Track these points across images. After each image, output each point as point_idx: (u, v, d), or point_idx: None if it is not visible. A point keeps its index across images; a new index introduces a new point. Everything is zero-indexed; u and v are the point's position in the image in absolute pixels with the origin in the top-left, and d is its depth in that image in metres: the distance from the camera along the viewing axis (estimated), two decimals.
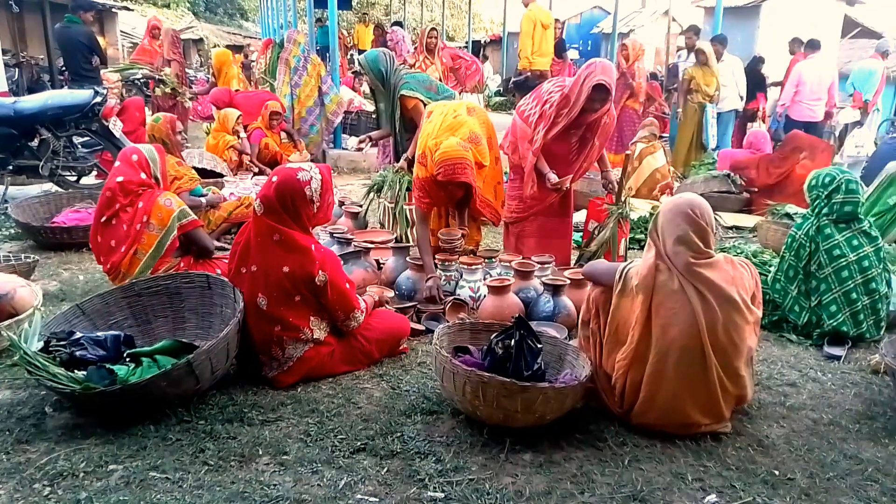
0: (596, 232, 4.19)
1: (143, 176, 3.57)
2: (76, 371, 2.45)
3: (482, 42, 22.53)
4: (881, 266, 3.46)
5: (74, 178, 6.19)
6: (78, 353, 2.54)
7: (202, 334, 2.99)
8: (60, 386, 2.37)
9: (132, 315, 3.06)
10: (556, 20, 11.08)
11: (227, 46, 22.22)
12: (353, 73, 11.73)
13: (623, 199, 4.13)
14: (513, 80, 9.15)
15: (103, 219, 3.55)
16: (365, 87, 10.33)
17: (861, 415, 2.75)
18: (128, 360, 2.59)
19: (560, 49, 10.32)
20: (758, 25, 13.92)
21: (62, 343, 2.58)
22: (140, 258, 3.48)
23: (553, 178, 3.91)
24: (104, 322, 2.95)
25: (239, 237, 2.89)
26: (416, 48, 8.69)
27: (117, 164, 3.60)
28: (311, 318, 2.80)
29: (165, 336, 2.89)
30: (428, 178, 3.77)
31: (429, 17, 26.19)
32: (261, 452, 2.31)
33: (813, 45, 8.92)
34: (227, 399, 2.65)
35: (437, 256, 3.94)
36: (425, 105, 4.69)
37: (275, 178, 2.76)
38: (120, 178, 3.51)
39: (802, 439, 2.53)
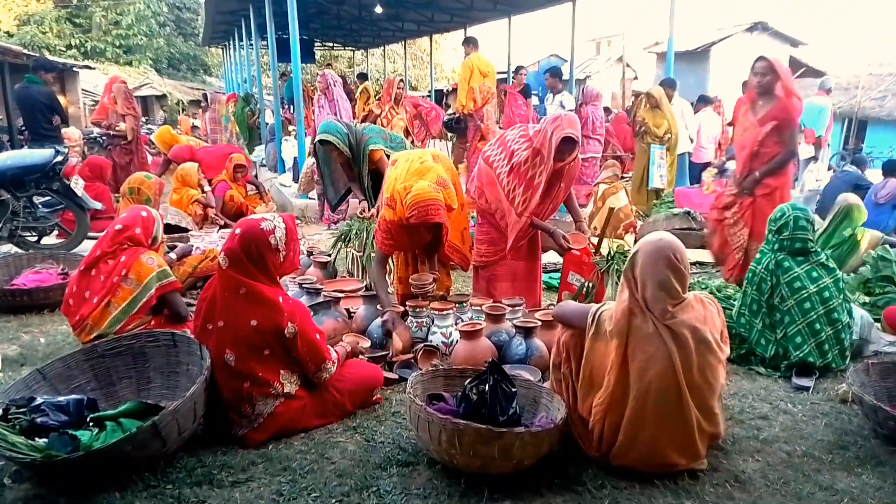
0: (586, 289, 4.21)
1: (139, 231, 3.57)
2: (37, 439, 2.37)
3: (444, 90, 22.99)
4: (841, 296, 3.54)
5: (35, 239, 6.08)
6: (39, 420, 2.45)
7: (168, 394, 2.91)
8: (20, 456, 2.27)
9: (95, 378, 2.97)
10: (521, 67, 11.40)
11: (191, 101, 22.27)
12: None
13: (606, 253, 4.16)
14: (447, 119, 9.47)
15: (83, 267, 3.52)
16: None
17: (833, 445, 2.77)
18: (91, 424, 2.50)
19: (526, 94, 10.68)
20: (708, 69, 14.49)
21: (22, 410, 2.49)
22: (111, 311, 3.42)
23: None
24: (66, 386, 2.86)
25: (204, 293, 2.83)
26: (380, 99, 8.87)
27: (124, 214, 3.65)
28: (282, 372, 2.74)
29: (130, 398, 2.81)
30: (395, 221, 3.81)
31: (391, 68, 26.70)
32: None
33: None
34: (196, 461, 2.57)
35: (407, 303, 3.93)
36: (387, 154, 4.84)
37: (238, 230, 2.74)
38: (119, 227, 3.53)
39: (778, 472, 2.54)
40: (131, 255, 3.50)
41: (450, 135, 10.72)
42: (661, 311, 2.39)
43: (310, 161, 7.08)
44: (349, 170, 5.29)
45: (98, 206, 6.35)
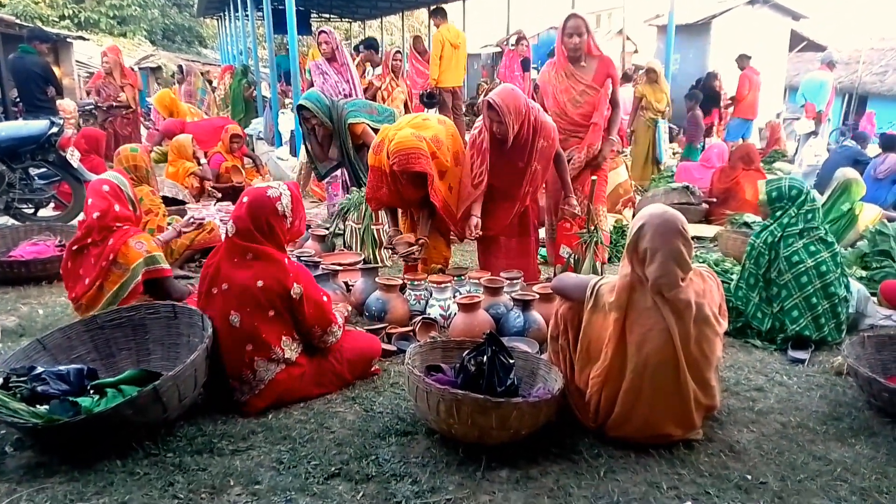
0: (572, 260, 4.21)
1: (118, 208, 3.50)
2: (38, 406, 2.38)
3: None
4: (839, 271, 3.56)
5: (31, 211, 6.06)
6: (40, 389, 2.46)
7: (169, 365, 2.91)
8: (21, 421, 2.29)
9: (95, 348, 2.98)
10: (523, 38, 11.31)
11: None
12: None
13: (593, 225, 4.13)
14: (421, 94, 9.42)
15: (75, 247, 3.50)
16: None
17: (827, 416, 2.80)
18: (92, 392, 2.52)
19: (526, 66, 10.65)
20: (709, 42, 14.34)
21: (23, 379, 2.50)
22: (105, 293, 3.42)
23: (474, 221, 3.99)
24: (66, 356, 2.87)
25: (210, 260, 2.87)
26: (381, 71, 8.78)
27: (90, 200, 3.52)
28: (283, 338, 2.77)
29: (130, 369, 2.82)
30: (377, 167, 3.95)
31: (389, 40, 26.40)
32: (232, 483, 2.27)
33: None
34: (196, 430, 2.59)
35: (405, 276, 3.94)
36: (373, 129, 4.91)
37: (245, 199, 2.80)
38: (96, 214, 3.45)
39: (772, 443, 2.57)
40: (119, 238, 3.46)
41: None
42: (672, 284, 2.36)
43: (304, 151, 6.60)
44: (334, 145, 5.26)
45: (94, 178, 6.30)
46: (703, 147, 9.68)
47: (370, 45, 9.10)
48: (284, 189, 2.84)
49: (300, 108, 5.09)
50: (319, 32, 6.47)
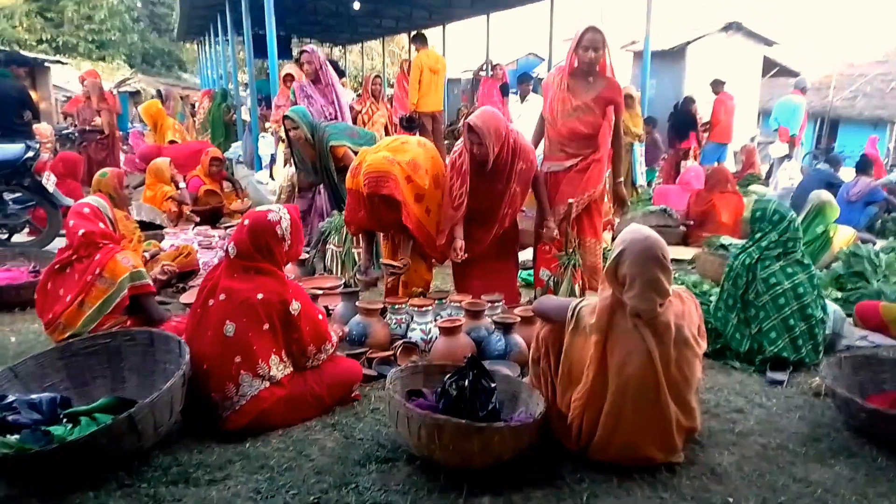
0: (551, 282, 4.22)
1: (102, 225, 3.52)
2: (9, 436, 2.32)
3: None
4: (815, 292, 3.60)
5: (5, 236, 5.97)
6: (10, 418, 2.40)
7: (144, 393, 2.84)
8: None
9: (69, 377, 2.92)
10: (498, 65, 11.47)
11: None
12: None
13: (571, 247, 4.14)
14: (401, 118, 9.51)
15: (57, 266, 3.47)
16: None
17: (807, 437, 2.82)
18: (65, 420, 2.46)
19: (504, 91, 10.80)
20: (684, 67, 14.60)
21: None
22: (85, 311, 3.36)
23: (458, 244, 3.99)
24: (39, 385, 2.81)
25: (209, 275, 2.95)
26: (360, 95, 8.83)
27: (71, 222, 3.52)
28: (273, 356, 2.77)
29: (104, 397, 2.76)
30: (353, 190, 3.98)
31: (369, 65, 26.58)
32: None
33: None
34: (171, 459, 2.54)
35: (386, 300, 3.92)
36: (354, 152, 4.83)
37: (246, 221, 2.90)
38: (82, 231, 3.44)
39: (753, 465, 2.58)
40: (106, 253, 3.45)
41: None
42: (650, 311, 2.37)
43: (289, 171, 6.22)
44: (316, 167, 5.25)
45: (70, 202, 6.23)
46: (659, 169, 10.10)
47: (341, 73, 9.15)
48: (284, 213, 2.94)
49: (285, 118, 5.08)
50: (301, 52, 6.26)
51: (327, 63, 6.08)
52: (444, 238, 4.07)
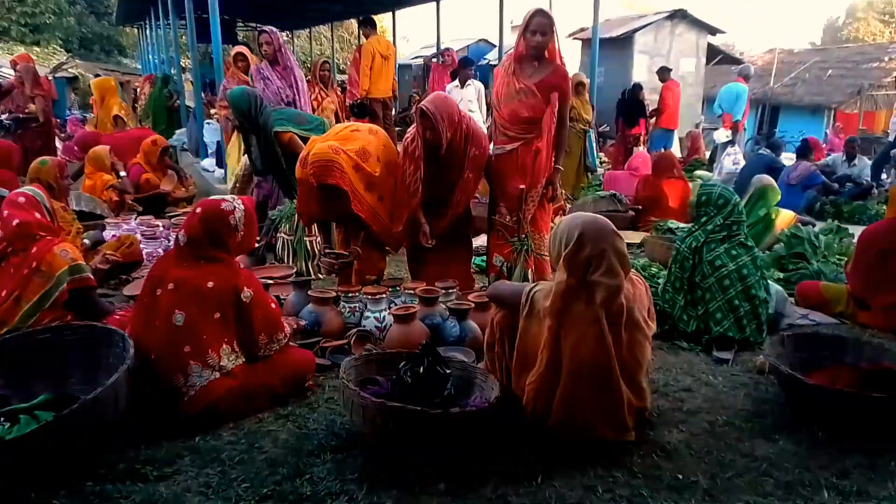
0: (505, 268, 4.23)
1: (38, 215, 3.36)
2: None
3: None
4: (758, 274, 3.71)
5: None
6: None
7: (88, 389, 2.74)
8: None
9: (5, 374, 2.78)
10: (448, 49, 11.42)
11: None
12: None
13: (523, 233, 4.16)
14: (350, 105, 9.43)
15: None
16: None
17: (752, 413, 2.90)
18: (2, 419, 2.36)
19: (455, 77, 10.77)
20: (632, 55, 14.83)
21: None
22: (22, 306, 3.20)
23: (425, 229, 4.00)
24: None
25: (156, 264, 2.90)
26: (309, 82, 8.67)
27: (5, 212, 3.34)
28: (224, 345, 2.72)
29: (45, 394, 2.66)
30: (302, 179, 3.94)
31: (318, 50, 26.17)
32: None
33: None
34: (117, 456, 2.45)
35: (338, 288, 3.88)
36: (301, 138, 4.80)
37: (198, 210, 2.84)
38: (16, 222, 3.27)
39: (701, 442, 2.65)
40: (43, 246, 3.28)
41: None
42: (619, 285, 2.41)
43: (243, 160, 6.01)
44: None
45: (5, 193, 5.94)
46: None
47: None
48: (238, 203, 2.89)
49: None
50: (260, 32, 6.05)
51: (286, 45, 5.89)
52: (401, 225, 4.04)
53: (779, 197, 5.51)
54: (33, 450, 2.21)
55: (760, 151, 8.90)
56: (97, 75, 11.95)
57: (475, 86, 9.10)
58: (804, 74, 17.89)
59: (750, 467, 2.47)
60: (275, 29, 6.00)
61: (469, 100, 8.76)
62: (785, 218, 5.54)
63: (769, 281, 3.97)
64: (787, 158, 8.66)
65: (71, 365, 2.89)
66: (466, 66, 9.36)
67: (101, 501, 2.19)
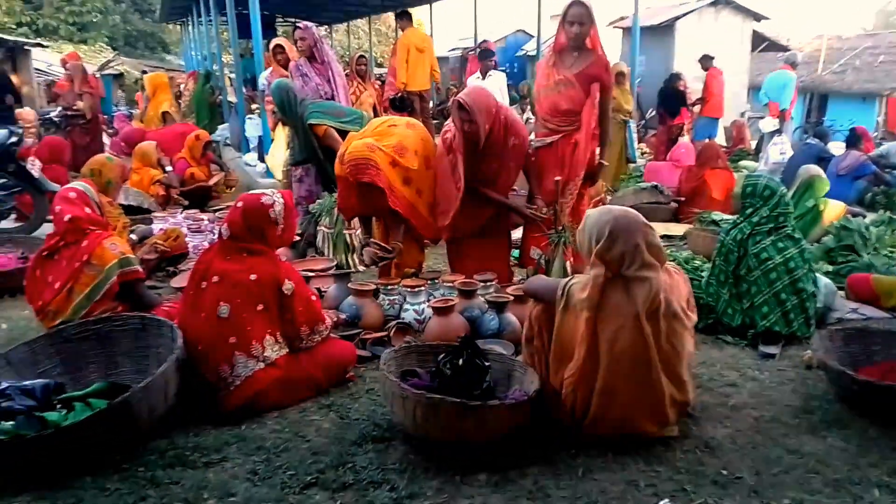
0: (543, 261, 4.21)
1: (89, 211, 3.48)
2: (3, 423, 2.31)
3: None
4: (806, 266, 3.61)
5: None
6: (4, 405, 2.39)
7: (138, 378, 2.84)
8: None
9: (61, 362, 2.91)
10: (485, 41, 11.37)
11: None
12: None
13: (560, 225, 4.11)
14: (391, 99, 9.42)
15: (45, 253, 3.42)
16: None
17: (799, 409, 2.84)
18: (59, 406, 2.45)
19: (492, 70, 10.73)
20: (673, 43, 14.55)
21: None
22: (74, 298, 3.32)
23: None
24: (31, 371, 2.79)
25: (201, 258, 2.97)
26: (348, 76, 8.74)
27: (58, 207, 3.47)
28: (267, 336, 2.79)
29: (98, 382, 2.75)
30: (341, 177, 3.98)
31: (356, 44, 26.33)
32: (206, 496, 2.22)
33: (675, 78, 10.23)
34: (168, 442, 2.54)
35: (378, 280, 3.92)
36: (338, 131, 4.87)
37: (240, 203, 2.90)
38: (68, 217, 3.39)
39: (746, 438, 2.60)
40: (94, 240, 3.40)
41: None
42: (656, 277, 2.40)
43: (287, 155, 5.99)
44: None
45: (56, 188, 6.15)
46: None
47: None
48: (278, 197, 2.95)
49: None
50: (294, 29, 6.06)
51: (322, 40, 5.87)
52: (448, 219, 4.02)
53: (827, 187, 5.36)
54: (88, 436, 2.30)
55: (808, 141, 8.66)
56: (144, 72, 12.24)
57: (496, 77, 9.03)
58: (854, 61, 17.29)
59: (797, 464, 2.42)
60: (310, 24, 5.97)
61: (493, 92, 8.71)
62: (834, 209, 5.39)
63: (817, 274, 3.87)
64: (837, 148, 8.39)
65: (122, 354, 2.99)
66: (486, 57, 9.30)
67: (152, 487, 2.27)
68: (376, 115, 7.86)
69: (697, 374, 3.15)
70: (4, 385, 2.48)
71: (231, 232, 2.86)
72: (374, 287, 3.80)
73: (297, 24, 6.04)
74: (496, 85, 8.92)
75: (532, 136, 4.31)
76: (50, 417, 2.33)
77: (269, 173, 8.13)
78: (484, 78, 8.95)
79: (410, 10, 11.54)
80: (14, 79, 9.15)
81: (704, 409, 2.83)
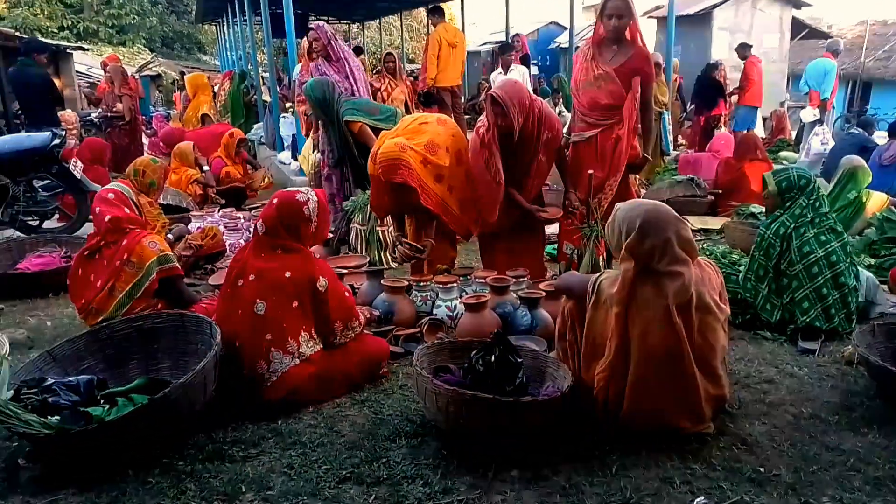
0: (575, 256, 4.19)
1: (127, 211, 3.58)
2: (49, 417, 2.38)
3: None
4: (848, 260, 3.53)
5: (36, 223, 6.07)
6: (50, 400, 2.46)
7: (178, 374, 2.92)
8: (34, 432, 2.29)
9: (104, 359, 2.98)
10: (518, 35, 11.32)
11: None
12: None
13: (593, 219, 4.08)
14: (420, 94, 9.42)
15: (87, 252, 3.53)
16: None
17: (839, 406, 2.79)
18: (102, 401, 2.53)
19: (525, 62, 10.66)
20: (711, 32, 14.27)
21: (33, 390, 2.50)
22: (116, 296, 3.43)
23: (531, 207, 3.99)
24: (75, 367, 2.88)
25: (238, 255, 3.03)
26: (380, 73, 8.80)
27: (97, 209, 3.58)
28: (302, 332, 2.83)
29: (139, 378, 2.83)
30: (374, 176, 4.00)
31: (388, 40, 26.41)
32: (244, 490, 2.27)
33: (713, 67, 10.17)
34: (206, 437, 2.60)
35: (410, 277, 3.94)
36: (372, 128, 4.90)
37: (275, 200, 2.96)
38: (108, 217, 3.50)
39: (784, 435, 2.56)
40: (133, 238, 3.49)
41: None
42: (687, 271, 2.38)
43: (316, 157, 6.01)
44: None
45: (98, 188, 6.31)
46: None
47: (359, 50, 9.10)
48: (312, 195, 3.00)
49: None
50: (308, 30, 6.08)
51: (336, 37, 5.92)
52: (494, 214, 3.99)
53: (870, 178, 5.22)
54: (130, 431, 2.36)
55: (852, 130, 8.42)
56: (182, 73, 12.48)
57: (519, 71, 8.97)
58: None
59: (836, 462, 2.38)
60: (322, 24, 6.04)
61: None
62: (877, 201, 5.24)
63: (859, 267, 3.78)
64: (879, 137, 8.15)
65: (163, 351, 3.06)
66: (506, 51, 9.25)
67: (192, 480, 2.32)
68: (408, 111, 7.89)
69: (735, 370, 3.10)
70: (50, 381, 2.57)
71: (266, 227, 2.91)
72: (406, 284, 3.83)
73: (310, 26, 6.03)
74: (520, 78, 8.88)
75: (565, 130, 4.28)
76: (94, 412, 2.40)
77: (301, 172, 8.22)
78: (506, 73, 8.92)
79: (442, 5, 11.53)
80: (56, 82, 9.37)
81: (741, 406, 2.79)
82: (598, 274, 2.62)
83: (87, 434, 2.28)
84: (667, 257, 2.39)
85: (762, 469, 2.33)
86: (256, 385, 2.78)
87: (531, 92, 4.12)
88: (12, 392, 2.49)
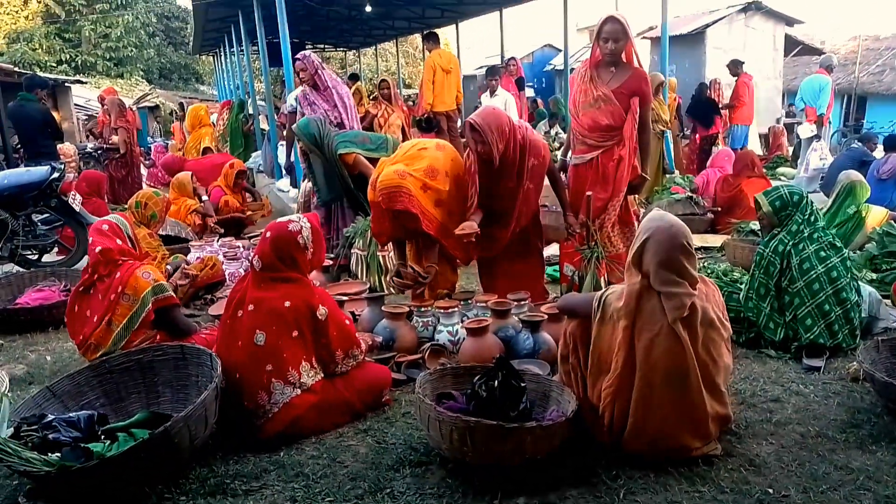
0: (576, 278, 4.18)
1: (120, 243, 3.56)
2: (50, 454, 2.36)
3: None
4: (849, 275, 3.52)
5: (35, 257, 6.07)
6: (51, 436, 2.44)
7: (179, 407, 2.90)
8: (34, 470, 2.27)
9: (104, 394, 2.96)
10: (512, 59, 11.43)
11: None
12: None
13: (593, 240, 4.08)
14: (417, 119, 9.52)
15: (81, 288, 3.52)
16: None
17: (846, 424, 2.76)
18: (102, 437, 2.50)
19: (520, 85, 10.74)
20: (704, 51, 14.41)
21: (33, 427, 2.48)
22: (113, 329, 3.40)
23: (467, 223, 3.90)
24: (76, 403, 2.86)
25: (236, 286, 3.00)
26: (376, 99, 8.89)
27: (91, 239, 3.58)
28: (303, 363, 2.81)
29: (140, 412, 2.80)
30: (374, 202, 4.02)
31: (384, 66, 26.65)
32: None
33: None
34: (208, 471, 2.56)
35: (412, 303, 3.93)
36: (368, 159, 4.95)
37: (268, 234, 2.93)
38: (99, 248, 3.48)
39: (792, 454, 2.53)
40: (126, 271, 3.46)
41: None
42: (681, 305, 2.36)
43: (306, 185, 6.13)
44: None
45: (96, 220, 6.34)
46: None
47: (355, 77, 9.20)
48: (305, 222, 2.97)
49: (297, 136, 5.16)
50: (294, 60, 6.04)
51: (323, 66, 5.95)
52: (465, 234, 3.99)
53: (868, 193, 5.22)
54: (131, 466, 2.33)
55: (853, 145, 8.46)
56: (181, 104, 12.57)
57: (502, 97, 9.05)
58: (892, 61, 16.91)
59: (846, 480, 2.35)
60: (307, 53, 6.01)
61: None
62: (877, 215, 5.24)
63: (861, 282, 3.77)
64: (877, 151, 8.19)
65: (163, 383, 3.04)
66: (492, 75, 9.35)
67: None
68: (405, 136, 7.93)
69: (739, 389, 3.08)
70: (50, 417, 2.55)
71: (262, 263, 2.89)
72: (407, 309, 3.81)
73: (296, 56, 5.99)
74: (502, 103, 8.95)
75: (558, 152, 4.30)
76: (94, 448, 2.38)
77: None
78: (491, 96, 9.00)
79: (437, 30, 11.65)
80: (55, 115, 9.44)
81: (748, 426, 2.76)
82: (602, 290, 2.62)
83: (87, 471, 2.26)
84: (661, 277, 2.38)
85: (771, 490, 2.30)
86: (258, 417, 2.75)
87: (515, 118, 4.14)
88: (12, 429, 2.47)
